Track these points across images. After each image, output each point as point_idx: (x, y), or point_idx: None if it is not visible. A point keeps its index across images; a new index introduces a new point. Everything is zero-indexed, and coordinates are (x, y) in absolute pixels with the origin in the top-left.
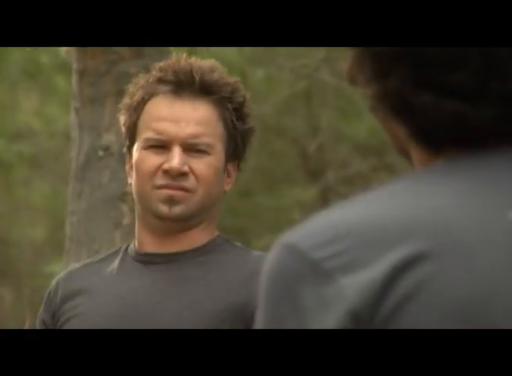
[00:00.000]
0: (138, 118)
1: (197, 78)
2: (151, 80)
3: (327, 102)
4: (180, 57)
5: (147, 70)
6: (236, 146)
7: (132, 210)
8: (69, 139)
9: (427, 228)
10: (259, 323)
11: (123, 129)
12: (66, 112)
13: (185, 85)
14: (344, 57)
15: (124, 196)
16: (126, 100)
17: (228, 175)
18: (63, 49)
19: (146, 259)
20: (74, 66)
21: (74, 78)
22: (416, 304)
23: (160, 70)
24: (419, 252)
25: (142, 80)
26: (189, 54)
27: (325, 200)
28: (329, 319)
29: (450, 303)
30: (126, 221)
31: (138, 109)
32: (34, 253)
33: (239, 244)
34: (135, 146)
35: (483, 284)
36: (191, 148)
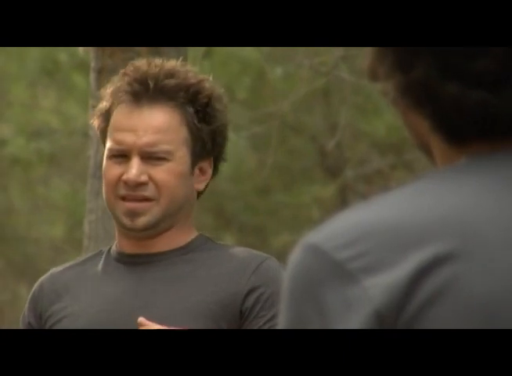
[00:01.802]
0: (106, 125)
1: (151, 86)
2: (114, 87)
3: (346, 99)
4: (143, 62)
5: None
6: (204, 145)
7: None
8: (87, 137)
9: (452, 227)
10: (281, 324)
11: (97, 134)
12: (85, 110)
13: (141, 94)
14: (362, 55)
15: None
16: (99, 105)
17: (203, 174)
18: (81, 48)
19: (129, 260)
20: (92, 64)
21: (92, 76)
22: (442, 304)
23: (122, 77)
24: (445, 252)
25: (113, 84)
26: (207, 51)
27: (343, 197)
28: (354, 320)
29: (477, 303)
30: None
31: (106, 116)
32: (53, 251)
33: (221, 242)
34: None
35: (509, 283)
36: (150, 156)
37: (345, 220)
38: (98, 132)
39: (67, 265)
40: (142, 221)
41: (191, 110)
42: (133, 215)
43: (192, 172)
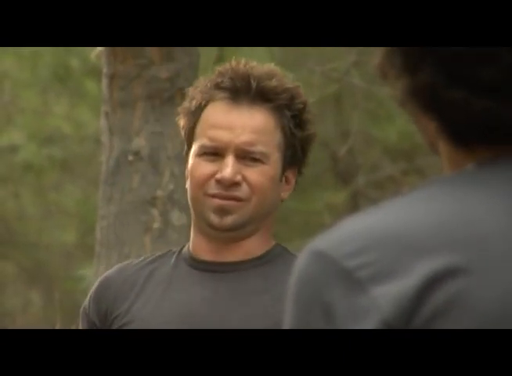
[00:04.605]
0: (195, 123)
1: (254, 85)
2: (209, 85)
3: (357, 105)
4: (239, 62)
5: (177, 74)
6: (295, 153)
7: (162, 214)
8: (99, 144)
9: (462, 238)
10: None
11: (182, 133)
12: (97, 116)
13: (242, 92)
14: (374, 61)
15: (154, 200)
16: (185, 104)
17: (287, 183)
18: (94, 53)
19: (204, 267)
20: (104, 70)
21: (104, 82)
22: (451, 316)
23: (219, 74)
24: (454, 264)
25: (201, 83)
26: (219, 56)
27: (355, 203)
28: (361, 329)
29: (486, 316)
30: (156, 225)
31: (196, 114)
32: (65, 257)
33: (297, 253)
34: (191, 152)
35: None
36: (245, 156)
37: (353, 227)
38: (183, 131)
39: (135, 261)
40: (230, 219)
41: (288, 114)
42: (222, 212)
43: (280, 179)
